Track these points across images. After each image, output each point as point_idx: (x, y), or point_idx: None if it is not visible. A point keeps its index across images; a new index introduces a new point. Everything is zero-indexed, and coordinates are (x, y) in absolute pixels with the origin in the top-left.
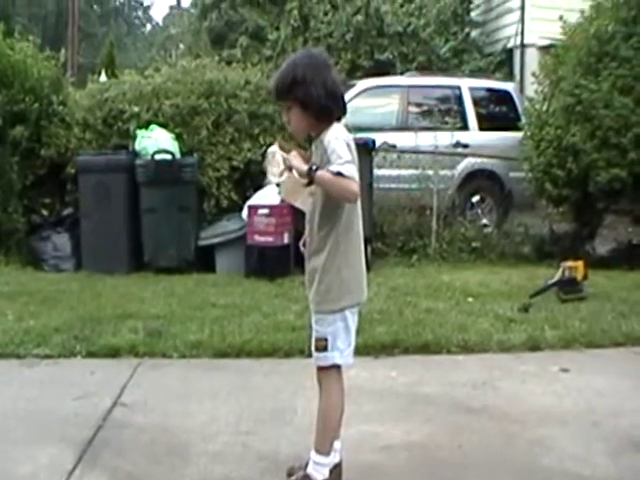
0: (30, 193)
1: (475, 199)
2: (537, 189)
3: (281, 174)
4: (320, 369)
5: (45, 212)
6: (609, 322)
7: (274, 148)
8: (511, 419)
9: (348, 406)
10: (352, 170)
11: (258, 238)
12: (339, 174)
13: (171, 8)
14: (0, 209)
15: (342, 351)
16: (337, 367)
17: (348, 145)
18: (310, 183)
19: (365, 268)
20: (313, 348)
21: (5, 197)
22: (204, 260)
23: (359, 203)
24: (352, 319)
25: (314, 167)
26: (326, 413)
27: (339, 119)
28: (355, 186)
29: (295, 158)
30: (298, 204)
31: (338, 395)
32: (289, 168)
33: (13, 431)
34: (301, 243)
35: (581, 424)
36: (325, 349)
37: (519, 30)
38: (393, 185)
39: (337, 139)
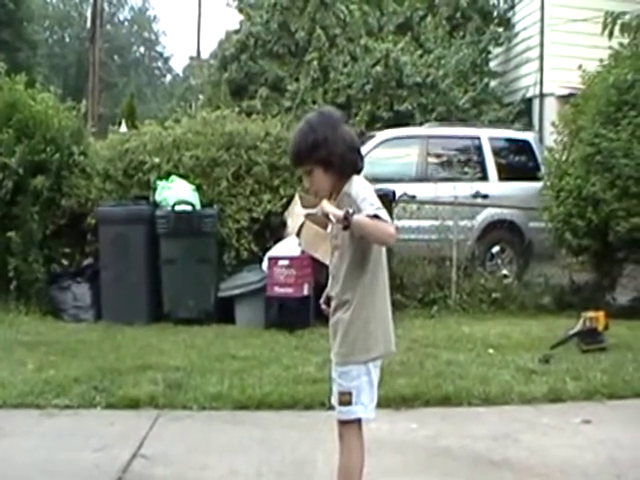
0: (50, 243)
1: (495, 250)
2: (557, 239)
3: (300, 228)
4: (342, 423)
5: (65, 262)
6: (631, 373)
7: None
8: (533, 472)
9: (368, 459)
10: (386, 215)
11: (278, 290)
12: (376, 217)
13: (191, 59)
14: (20, 259)
15: (366, 405)
16: (359, 421)
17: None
18: (346, 228)
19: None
20: (336, 402)
21: (25, 247)
22: (224, 311)
23: (384, 254)
24: (375, 373)
25: (350, 211)
26: (347, 467)
27: (359, 172)
28: (392, 229)
29: (328, 205)
30: (318, 255)
31: (359, 449)
32: (325, 215)
33: None
34: (322, 300)
35: (603, 477)
36: (349, 403)
37: (538, 80)
38: (413, 236)
39: (365, 188)
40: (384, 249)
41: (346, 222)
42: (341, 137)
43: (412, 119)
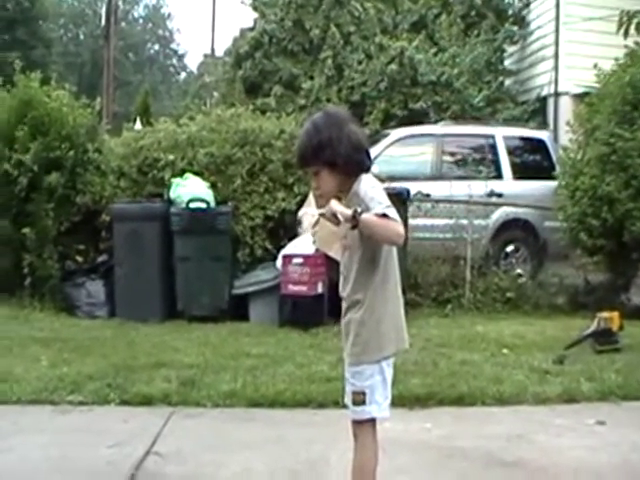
0: (65, 240)
1: (509, 249)
2: (572, 239)
3: (313, 227)
4: (356, 423)
5: (79, 259)
6: None
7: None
8: (546, 473)
9: (382, 459)
10: (396, 214)
11: (292, 288)
12: (384, 216)
13: (205, 56)
14: (35, 255)
15: (380, 404)
16: (373, 420)
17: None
18: (354, 227)
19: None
20: (350, 402)
21: (40, 243)
22: (238, 309)
23: (395, 252)
24: (388, 371)
25: (359, 210)
26: (362, 467)
27: (368, 170)
28: (401, 228)
29: (337, 204)
30: (332, 253)
31: (373, 448)
32: (334, 215)
33: (45, 479)
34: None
35: (617, 478)
36: (363, 403)
37: (553, 78)
38: (427, 235)
39: (374, 187)
40: (395, 247)
41: (354, 221)
42: (347, 137)
43: (426, 117)
